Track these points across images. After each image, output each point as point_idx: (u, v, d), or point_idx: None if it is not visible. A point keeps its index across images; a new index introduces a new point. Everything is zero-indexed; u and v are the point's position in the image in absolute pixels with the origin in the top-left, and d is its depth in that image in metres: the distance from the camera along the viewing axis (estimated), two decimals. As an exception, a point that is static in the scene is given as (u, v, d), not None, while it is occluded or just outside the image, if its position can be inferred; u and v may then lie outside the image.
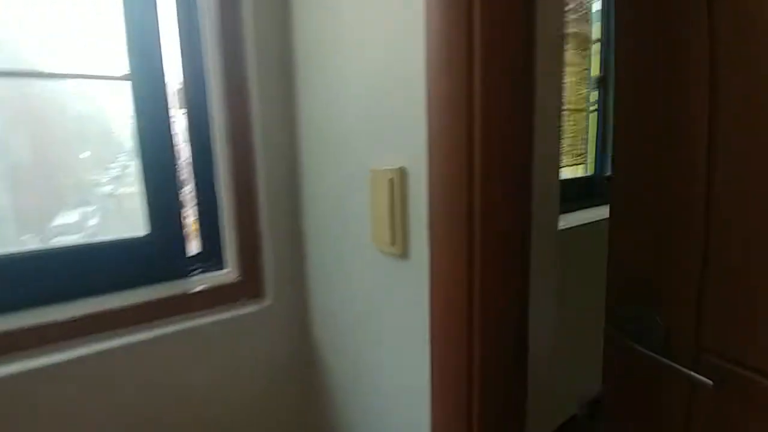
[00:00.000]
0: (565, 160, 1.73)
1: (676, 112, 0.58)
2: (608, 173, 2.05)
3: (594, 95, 1.88)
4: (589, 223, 1.59)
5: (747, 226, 0.51)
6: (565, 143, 1.73)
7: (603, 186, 1.96)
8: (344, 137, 0.79)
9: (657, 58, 0.61)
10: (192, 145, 0.89)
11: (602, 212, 1.69)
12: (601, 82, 1.83)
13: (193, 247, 0.92)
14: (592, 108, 1.88)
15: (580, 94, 1.83)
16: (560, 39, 0.70)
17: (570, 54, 1.70)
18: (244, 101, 0.88)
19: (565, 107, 1.61)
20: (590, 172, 1.97)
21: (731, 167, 0.53)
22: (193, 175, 0.90)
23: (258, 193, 0.91)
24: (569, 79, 1.71)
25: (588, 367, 1.62)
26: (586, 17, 1.72)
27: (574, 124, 1.82)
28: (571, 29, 1.69)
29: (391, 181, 0.66)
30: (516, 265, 0.59)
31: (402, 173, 0.65)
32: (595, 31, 1.81)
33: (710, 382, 0.51)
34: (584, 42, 1.78)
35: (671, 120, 0.59)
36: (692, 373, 0.54)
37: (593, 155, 1.95)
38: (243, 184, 0.90)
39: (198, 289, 0.88)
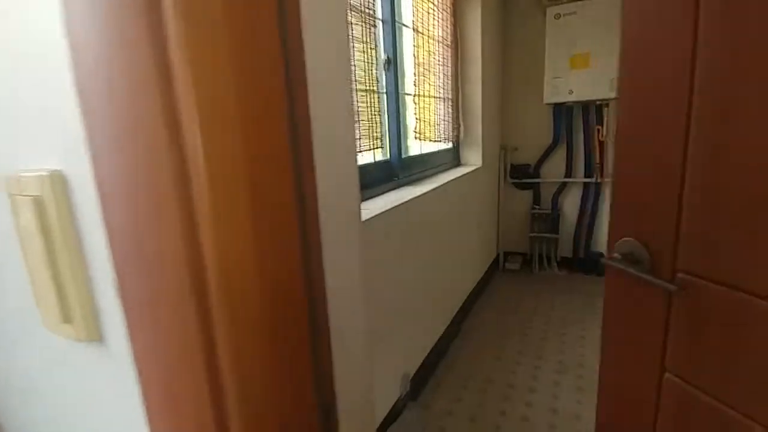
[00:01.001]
0: (364, 143, 1.82)
1: (664, 66, 0.67)
2: (406, 155, 1.93)
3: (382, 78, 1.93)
4: (393, 208, 1.59)
5: (714, 175, 0.62)
6: (363, 126, 1.65)
7: (401, 169, 1.99)
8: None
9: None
10: None
11: (403, 194, 1.78)
12: (389, 64, 1.93)
13: None
14: (383, 90, 1.93)
15: (372, 74, 1.90)
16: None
17: (358, 29, 1.57)
18: None
19: (358, 87, 1.53)
20: (387, 155, 1.97)
21: (708, 122, 0.61)
22: None
23: None
24: (360, 57, 1.59)
25: (406, 346, 1.76)
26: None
27: (368, 107, 1.73)
28: (354, 1, 1.53)
29: (38, 201, 0.34)
30: (298, 333, 0.36)
31: (58, 183, 0.34)
32: (379, 10, 1.92)
33: (673, 287, 0.67)
34: (371, 19, 1.87)
35: (660, 78, 0.68)
36: (661, 281, 0.69)
37: (389, 138, 1.96)
38: None
39: None
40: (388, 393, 1.63)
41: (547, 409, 1.75)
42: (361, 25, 1.63)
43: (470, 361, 2.14)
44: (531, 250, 3.38)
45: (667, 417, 0.77)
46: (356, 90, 1.61)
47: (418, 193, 1.83)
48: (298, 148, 0.34)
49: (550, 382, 1.92)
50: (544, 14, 2.76)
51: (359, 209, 0.57)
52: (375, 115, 1.78)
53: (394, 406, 1.65)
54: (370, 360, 0.59)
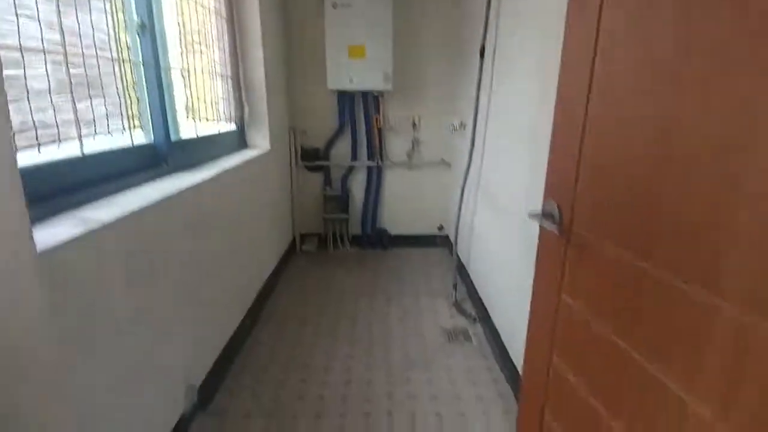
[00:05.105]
0: (114, 123, 1.37)
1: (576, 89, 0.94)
2: (177, 138, 1.59)
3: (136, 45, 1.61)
4: (162, 200, 1.34)
5: (594, 164, 0.91)
6: (110, 101, 1.35)
7: (171, 153, 1.70)
8: None
9: None
10: None
11: (174, 183, 1.53)
12: (144, 29, 1.60)
13: None
14: (138, 60, 1.63)
15: (120, 40, 1.58)
16: None
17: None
18: None
19: (100, 55, 1.25)
20: (152, 138, 1.69)
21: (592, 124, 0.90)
22: None
23: None
24: (102, 17, 1.29)
25: (190, 353, 1.56)
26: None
27: (119, 79, 1.40)
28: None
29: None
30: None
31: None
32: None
33: (557, 230, 1.02)
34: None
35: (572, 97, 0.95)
36: (555, 229, 1.03)
37: (152, 118, 1.67)
38: None
39: None
40: (168, 411, 1.43)
41: (341, 383, 1.87)
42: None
43: (267, 353, 2.08)
44: (326, 230, 3.52)
45: (560, 324, 1.09)
46: (97, 57, 1.29)
47: (194, 182, 1.62)
48: None
49: (344, 357, 2.06)
50: (323, 1, 2.80)
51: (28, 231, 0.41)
52: (129, 89, 1.47)
53: (178, 423, 1.46)
54: None
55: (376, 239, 3.55)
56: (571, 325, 1.04)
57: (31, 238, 0.76)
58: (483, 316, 2.34)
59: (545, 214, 1.10)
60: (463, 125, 2.91)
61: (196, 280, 1.62)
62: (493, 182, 2.25)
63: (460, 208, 2.72)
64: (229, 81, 2.37)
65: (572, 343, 1.05)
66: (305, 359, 2.03)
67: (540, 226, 1.16)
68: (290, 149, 3.24)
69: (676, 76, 0.70)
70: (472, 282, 2.65)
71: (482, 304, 2.38)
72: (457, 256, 2.83)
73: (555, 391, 1.12)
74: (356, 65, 2.87)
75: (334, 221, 3.50)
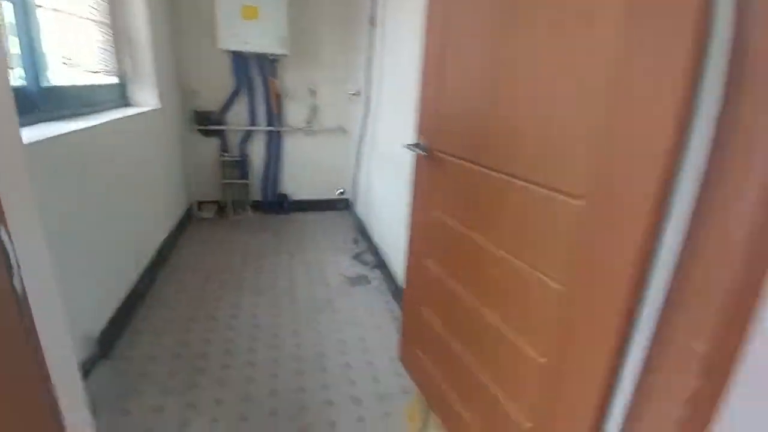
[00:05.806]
0: None
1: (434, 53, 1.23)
2: (50, 84, 1.44)
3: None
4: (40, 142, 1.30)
5: (441, 106, 1.23)
6: None
7: (42, 100, 1.56)
8: None
9: None
10: None
11: (50, 131, 1.45)
12: None
13: None
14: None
15: None
16: None
17: None
18: None
19: None
20: (23, 81, 1.56)
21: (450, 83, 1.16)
22: None
23: None
24: None
25: (87, 304, 1.58)
26: None
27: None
28: None
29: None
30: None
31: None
32: None
33: (425, 153, 1.32)
34: None
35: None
36: (423, 153, 1.32)
37: (22, 59, 1.54)
38: None
39: None
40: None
41: (249, 326, 1.96)
42: None
43: (170, 307, 2.07)
44: (224, 196, 3.46)
45: (430, 233, 1.35)
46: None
47: (71, 129, 1.53)
48: None
49: (250, 306, 2.14)
50: (211, -46, 2.70)
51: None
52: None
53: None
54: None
55: (278, 204, 3.60)
56: (437, 231, 1.31)
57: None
58: (380, 264, 2.60)
59: (417, 146, 1.34)
60: (358, 92, 3.09)
61: (81, 231, 1.56)
62: (384, 144, 2.48)
63: (357, 171, 2.92)
64: (108, 29, 2.20)
65: (438, 244, 1.32)
66: (211, 310, 2.07)
67: (416, 157, 1.41)
68: (182, 110, 3.09)
69: (487, 31, 0.96)
70: (370, 237, 2.90)
71: (379, 254, 2.64)
72: (357, 215, 3.04)
73: (428, 288, 1.39)
74: (250, 26, 2.84)
75: (233, 187, 3.45)
